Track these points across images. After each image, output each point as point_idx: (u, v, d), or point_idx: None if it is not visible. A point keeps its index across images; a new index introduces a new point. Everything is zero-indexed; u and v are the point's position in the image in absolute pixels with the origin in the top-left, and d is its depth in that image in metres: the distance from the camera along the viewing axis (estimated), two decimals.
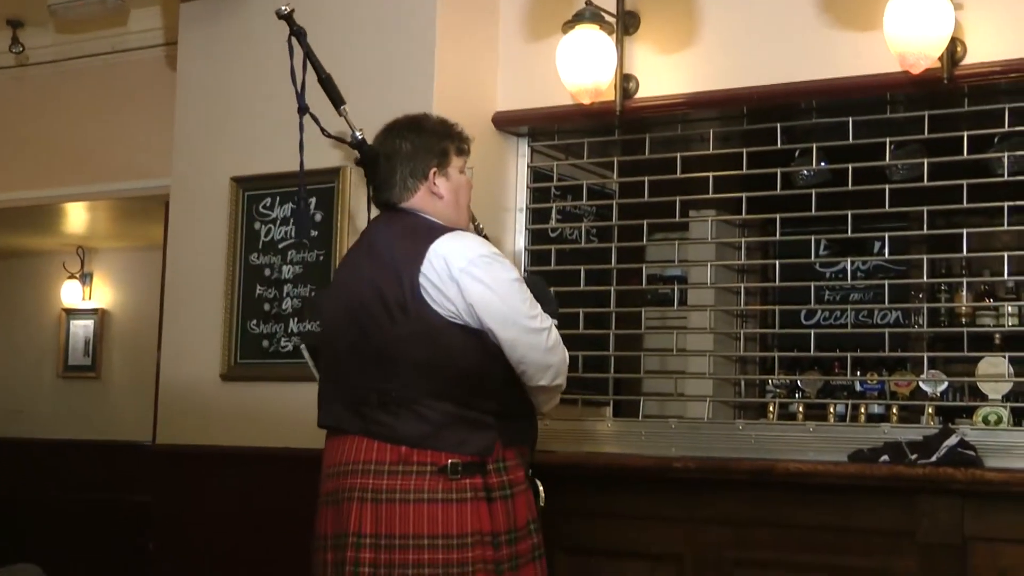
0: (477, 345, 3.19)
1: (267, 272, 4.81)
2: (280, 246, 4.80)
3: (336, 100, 4.00)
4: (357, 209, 4.57)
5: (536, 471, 3.45)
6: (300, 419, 4.59)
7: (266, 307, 4.79)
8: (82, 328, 9.45)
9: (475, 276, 3.17)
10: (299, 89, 3.95)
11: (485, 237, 3.75)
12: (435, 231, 3.26)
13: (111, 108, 6.40)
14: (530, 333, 3.22)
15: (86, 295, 9.45)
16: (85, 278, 9.44)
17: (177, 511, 4.87)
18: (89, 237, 9.07)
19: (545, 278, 3.77)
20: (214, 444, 4.79)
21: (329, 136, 4.12)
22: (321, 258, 4.68)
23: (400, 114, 4.12)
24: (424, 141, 3.37)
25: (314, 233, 4.52)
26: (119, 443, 8.52)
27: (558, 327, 3.42)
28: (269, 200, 4.85)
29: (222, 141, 5.01)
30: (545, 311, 3.39)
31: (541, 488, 3.41)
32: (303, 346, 3.61)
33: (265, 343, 4.78)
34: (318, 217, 4.68)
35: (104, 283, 9.43)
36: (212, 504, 4.78)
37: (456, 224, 3.36)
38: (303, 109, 3.98)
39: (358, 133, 3.89)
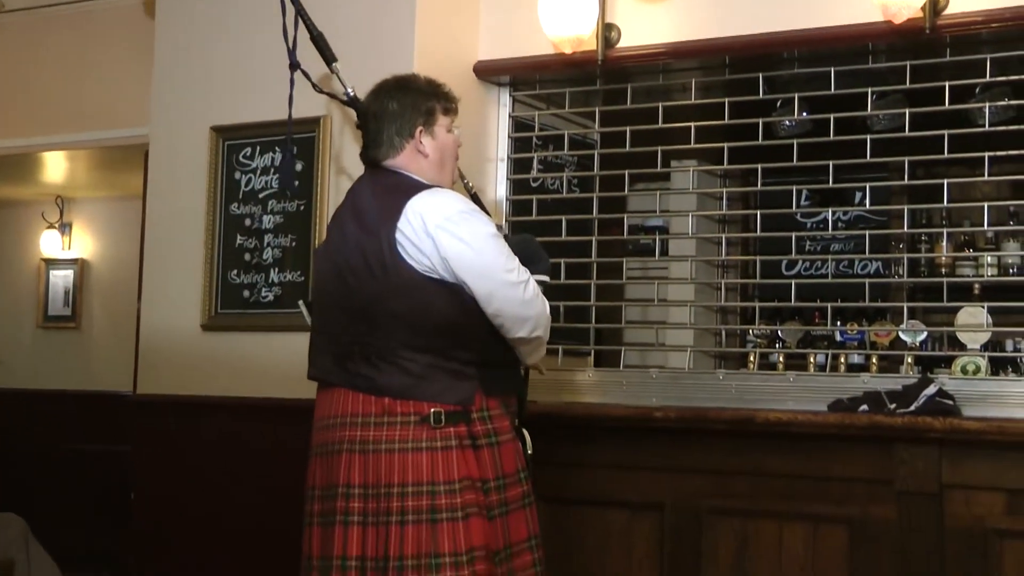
0: (454, 299, 3.21)
1: (248, 222, 4.79)
2: (261, 196, 4.78)
3: (328, 58, 3.99)
4: (340, 154, 4.57)
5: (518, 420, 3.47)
6: (281, 369, 4.60)
7: (247, 257, 4.78)
8: (62, 278, 9.40)
9: (450, 231, 3.19)
10: (291, 46, 3.95)
11: (475, 196, 3.76)
12: (414, 188, 3.29)
13: (90, 56, 6.34)
14: (506, 286, 3.24)
15: (65, 245, 9.39)
16: (64, 228, 9.38)
17: (158, 461, 4.88)
18: (68, 186, 9.01)
19: (525, 229, 3.78)
20: (195, 394, 4.79)
21: (321, 92, 4.12)
22: (302, 208, 4.66)
23: (381, 64, 4.10)
24: (411, 100, 3.40)
25: (296, 183, 4.51)
26: (99, 393, 8.50)
27: (550, 284, 3.48)
28: (250, 149, 4.82)
29: (202, 90, 4.98)
30: (537, 269, 3.43)
31: (528, 438, 3.44)
32: (301, 302, 3.62)
33: (246, 293, 4.77)
34: (299, 167, 4.66)
35: (84, 233, 9.38)
36: (193, 454, 4.78)
37: (440, 182, 3.38)
38: (294, 66, 3.98)
39: (350, 90, 3.89)
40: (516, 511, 3.30)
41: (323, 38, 3.98)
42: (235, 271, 4.80)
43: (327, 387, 3.35)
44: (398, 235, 3.20)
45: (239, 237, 4.81)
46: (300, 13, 3.96)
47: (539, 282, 3.41)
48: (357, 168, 4.51)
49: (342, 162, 4.59)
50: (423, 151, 3.38)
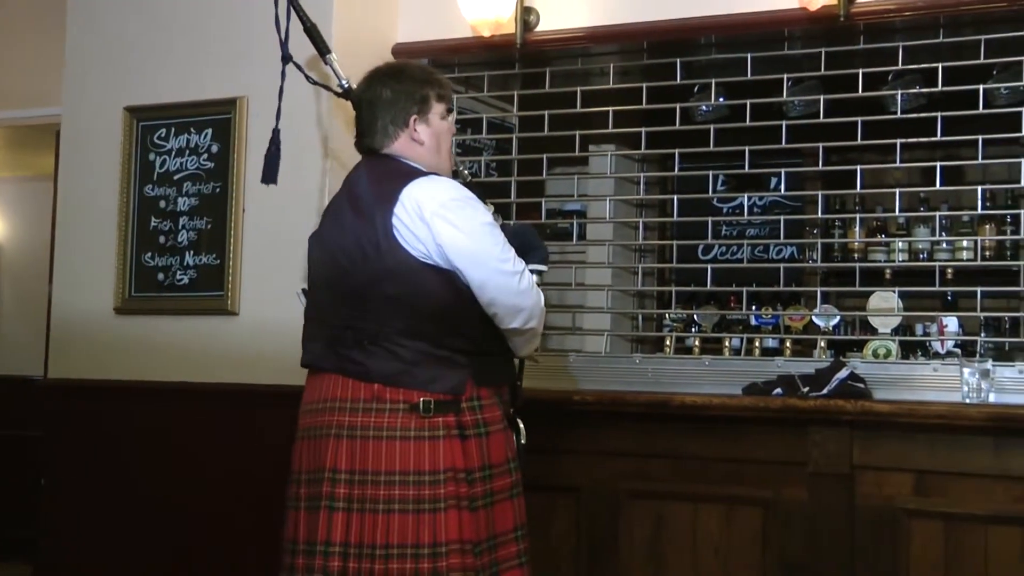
0: (448, 285, 3.20)
1: (162, 204, 4.74)
2: (176, 177, 4.73)
3: (322, 49, 3.96)
4: (259, 137, 4.54)
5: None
6: (197, 352, 4.57)
7: (161, 240, 4.72)
8: None
9: (446, 218, 3.18)
10: (283, 38, 3.90)
11: (471, 181, 3.73)
12: (411, 174, 3.28)
13: (0, 33, 6.22)
14: (501, 275, 3.23)
15: None
16: None
17: (69, 446, 4.81)
18: None
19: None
20: (108, 378, 4.73)
21: (315, 84, 4.12)
22: (218, 190, 4.62)
23: (300, 47, 4.07)
24: (405, 88, 3.38)
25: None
26: (9, 377, 8.37)
27: (544, 274, 3.50)
28: (164, 131, 4.76)
29: (115, 69, 4.90)
30: (534, 259, 3.44)
31: (522, 427, 3.45)
32: (299, 290, 3.58)
33: (160, 276, 4.72)
34: (215, 149, 4.62)
35: None
36: (106, 439, 4.72)
37: (437, 169, 3.37)
38: (286, 58, 3.93)
39: (344, 81, 3.86)
40: (502, 501, 3.29)
41: (316, 29, 3.97)
42: (149, 254, 4.74)
43: (317, 372, 3.34)
44: (394, 220, 3.18)
45: (153, 219, 4.75)
46: (292, 4, 3.92)
47: (536, 271, 3.42)
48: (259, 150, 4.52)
49: (263, 143, 4.54)
50: (418, 139, 3.36)
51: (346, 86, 3.88)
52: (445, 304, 3.21)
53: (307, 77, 4.03)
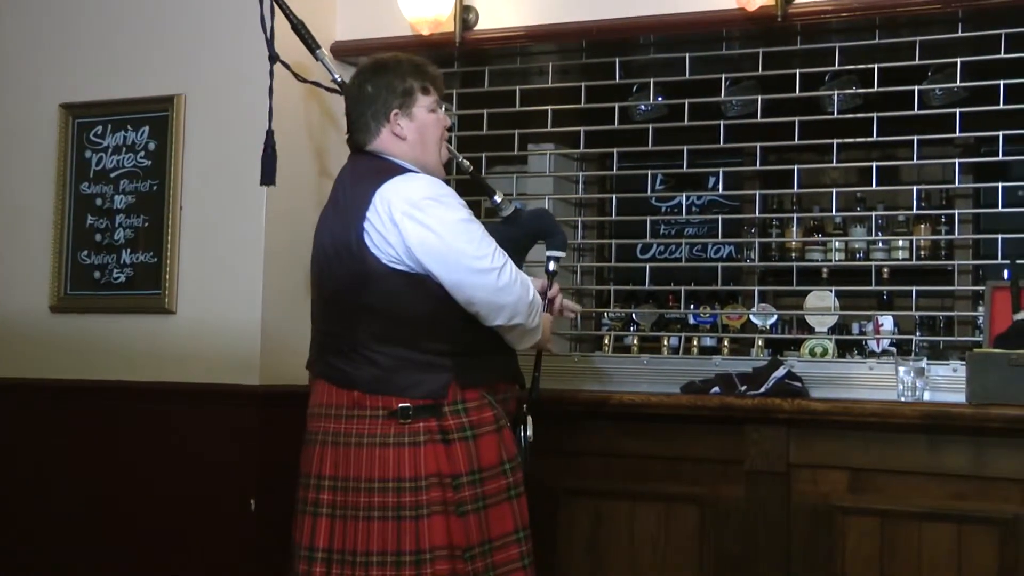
0: (419, 290, 3.14)
1: (99, 202, 4.69)
2: (112, 175, 4.68)
3: (310, 45, 3.92)
4: (197, 133, 4.51)
5: None
6: (133, 351, 4.53)
7: (98, 237, 4.68)
8: None
9: (415, 218, 3.11)
10: (268, 36, 3.84)
11: (470, 173, 3.70)
12: (387, 173, 3.21)
13: None
14: (475, 274, 3.14)
15: None
16: None
17: (3, 446, 4.75)
18: None
19: None
20: (43, 377, 4.68)
21: (304, 82, 4.10)
22: (155, 188, 4.58)
23: (239, 45, 4.04)
24: (386, 82, 3.31)
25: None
26: None
27: (561, 260, 3.50)
28: (101, 128, 4.72)
29: (50, 65, 4.84)
30: (552, 245, 3.42)
31: (531, 424, 3.42)
32: None
33: (97, 274, 4.67)
34: (152, 146, 4.58)
35: None
36: (40, 439, 4.67)
37: (423, 164, 3.30)
38: (273, 58, 3.88)
39: (337, 76, 3.82)
40: (499, 504, 3.23)
41: (303, 26, 3.92)
42: (85, 252, 4.69)
43: (314, 377, 3.34)
44: (366, 224, 3.13)
45: (90, 217, 4.70)
46: (277, 2, 3.88)
47: (554, 258, 3.41)
48: (213, 147, 4.49)
49: (201, 141, 4.52)
50: (400, 134, 3.29)
51: (340, 80, 3.83)
52: (417, 310, 3.15)
53: (296, 76, 3.99)
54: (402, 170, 3.24)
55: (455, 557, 3.11)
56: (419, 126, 3.32)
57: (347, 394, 3.19)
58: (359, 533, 3.11)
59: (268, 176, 3.94)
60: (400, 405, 3.13)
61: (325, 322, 3.29)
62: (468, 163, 3.80)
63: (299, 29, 3.94)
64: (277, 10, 4.08)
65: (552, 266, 3.56)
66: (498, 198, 3.60)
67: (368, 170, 3.26)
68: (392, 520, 3.09)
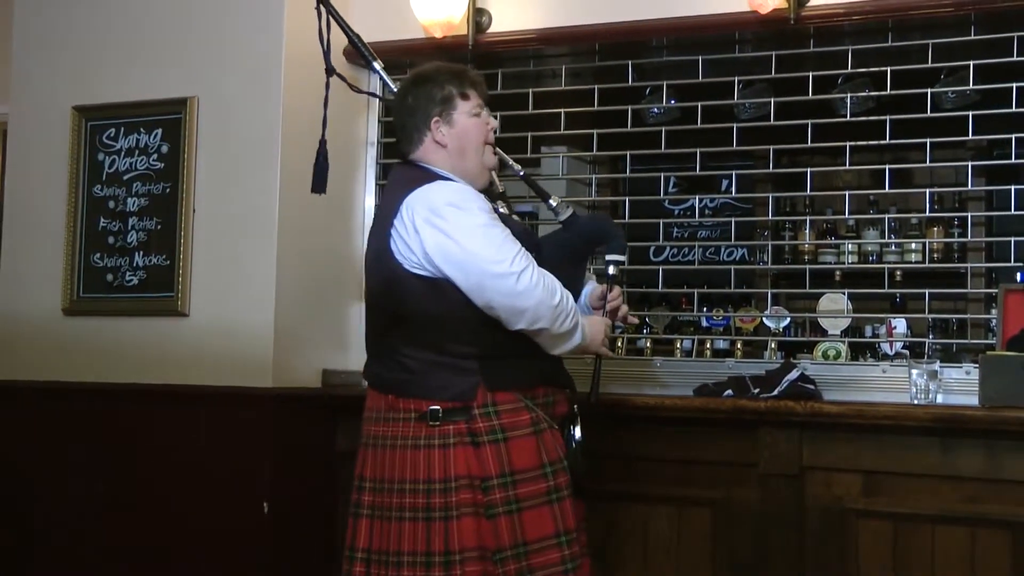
0: (439, 295, 3.14)
1: (111, 204, 4.70)
2: (125, 178, 4.69)
3: (368, 58, 3.92)
4: (211, 135, 4.51)
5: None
6: (146, 354, 4.54)
7: (110, 240, 4.69)
8: None
9: (434, 224, 3.11)
10: (326, 49, 3.84)
11: (522, 176, 3.67)
12: (417, 182, 3.21)
13: None
14: (494, 278, 3.11)
15: None
16: None
17: (16, 448, 4.76)
18: None
19: None
20: (56, 379, 4.69)
21: (360, 92, 4.14)
22: (168, 190, 4.59)
23: (252, 48, 4.03)
24: (425, 91, 3.32)
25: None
26: None
27: (623, 264, 3.49)
28: (113, 131, 4.73)
29: (64, 68, 4.86)
30: (610, 249, 3.43)
31: (578, 427, 3.38)
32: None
33: (109, 277, 4.68)
34: (165, 149, 4.60)
35: None
36: (54, 441, 4.68)
37: (462, 170, 3.29)
38: (330, 71, 3.88)
39: (394, 88, 3.82)
40: (536, 507, 3.19)
41: (360, 39, 3.91)
42: (98, 254, 4.70)
43: (365, 381, 3.40)
44: (393, 231, 3.16)
45: (102, 220, 4.71)
46: (334, 16, 3.88)
47: (614, 262, 3.42)
48: (226, 149, 4.50)
49: (213, 143, 4.53)
50: (441, 141, 3.29)
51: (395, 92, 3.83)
52: (437, 314, 3.16)
53: (351, 87, 3.98)
54: (435, 178, 3.24)
55: (486, 559, 3.11)
56: (460, 132, 3.31)
57: (383, 397, 3.24)
58: (392, 533, 3.14)
59: (319, 184, 3.94)
60: (430, 407, 3.15)
61: (368, 327, 3.38)
62: (519, 167, 3.73)
63: (355, 42, 3.94)
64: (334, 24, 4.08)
65: (612, 270, 3.50)
66: (553, 202, 3.55)
67: (403, 179, 3.28)
68: (422, 521, 3.11)
